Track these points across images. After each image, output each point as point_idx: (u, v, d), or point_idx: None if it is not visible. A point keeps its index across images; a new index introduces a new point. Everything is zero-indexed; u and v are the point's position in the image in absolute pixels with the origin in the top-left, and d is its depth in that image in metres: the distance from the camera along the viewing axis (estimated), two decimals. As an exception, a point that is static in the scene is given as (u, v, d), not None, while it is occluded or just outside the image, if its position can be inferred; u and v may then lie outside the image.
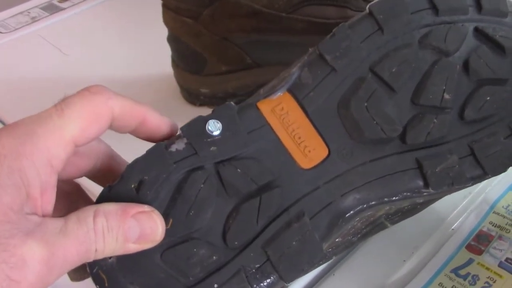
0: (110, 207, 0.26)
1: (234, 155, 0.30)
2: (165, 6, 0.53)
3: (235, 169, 0.29)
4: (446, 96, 0.32)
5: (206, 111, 0.57)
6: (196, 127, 0.30)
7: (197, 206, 0.28)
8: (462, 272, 0.37)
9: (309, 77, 0.32)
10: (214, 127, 0.30)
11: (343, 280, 0.38)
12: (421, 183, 0.31)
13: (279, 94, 0.32)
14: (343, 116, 0.32)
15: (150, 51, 0.65)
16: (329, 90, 0.32)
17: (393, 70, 0.32)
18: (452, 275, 0.37)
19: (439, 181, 0.31)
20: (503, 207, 0.41)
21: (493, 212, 0.41)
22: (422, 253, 0.39)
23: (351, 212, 0.31)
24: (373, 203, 0.31)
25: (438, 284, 0.37)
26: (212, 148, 0.29)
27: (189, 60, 0.55)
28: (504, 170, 0.33)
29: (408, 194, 0.31)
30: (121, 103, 0.28)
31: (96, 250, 0.25)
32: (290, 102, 0.32)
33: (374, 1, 0.33)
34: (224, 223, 0.29)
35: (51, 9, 0.78)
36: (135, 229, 0.26)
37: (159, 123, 0.30)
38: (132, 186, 0.28)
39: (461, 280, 0.37)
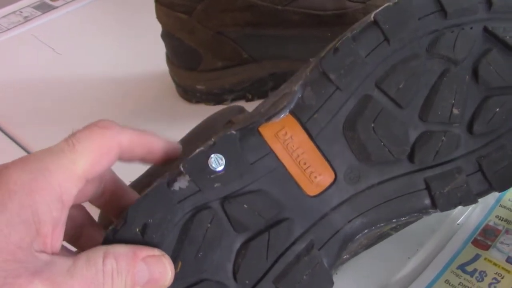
0: (120, 249, 0.26)
1: (239, 189, 0.29)
2: (158, 2, 0.52)
3: (242, 205, 0.28)
4: (455, 111, 0.31)
5: (202, 108, 0.56)
6: (198, 164, 0.28)
7: (205, 246, 0.27)
8: (469, 268, 0.36)
9: (312, 97, 0.30)
10: (217, 163, 0.28)
11: (346, 279, 0.37)
12: (429, 203, 0.31)
13: (282, 116, 0.30)
14: (349, 138, 0.30)
15: (144, 49, 0.64)
16: (334, 111, 0.30)
17: (400, 86, 0.30)
18: (459, 271, 0.36)
19: (447, 202, 0.31)
20: (509, 200, 0.40)
21: (499, 206, 0.40)
22: (427, 250, 0.38)
23: (359, 235, 0.30)
24: (381, 224, 0.31)
25: (445, 281, 0.36)
26: (216, 185, 0.28)
27: (184, 57, 0.54)
28: (511, 185, 0.32)
29: (416, 214, 0.31)
30: (129, 136, 0.28)
31: None
32: (293, 125, 0.30)
33: (379, 8, 0.31)
34: (234, 261, 0.28)
35: (43, 8, 0.77)
36: (144, 273, 0.26)
37: (165, 149, 0.30)
38: (137, 230, 0.27)
39: (468, 276, 0.36)
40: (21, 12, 0.76)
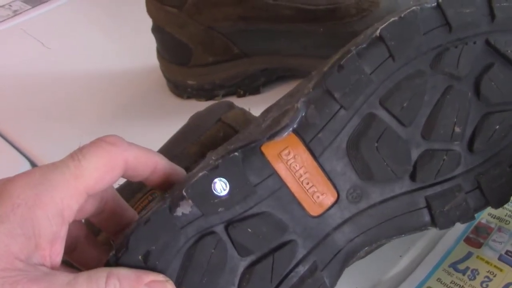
0: (124, 272, 0.25)
1: (243, 212, 0.28)
2: (148, -4, 0.51)
3: (246, 230, 0.28)
4: (457, 129, 0.31)
5: (194, 104, 0.56)
6: (202, 188, 0.27)
7: (209, 272, 0.27)
8: (461, 266, 0.36)
9: (316, 116, 0.29)
10: (222, 188, 0.27)
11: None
12: (428, 221, 0.31)
13: (285, 135, 0.29)
14: (352, 157, 0.30)
15: (135, 43, 0.63)
16: (337, 130, 0.30)
17: (405, 104, 0.30)
18: (451, 269, 0.36)
19: (446, 220, 0.31)
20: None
21: (491, 203, 0.39)
22: (419, 247, 0.38)
23: (360, 251, 0.31)
24: (382, 241, 0.31)
25: (437, 280, 0.35)
26: (220, 209, 0.27)
27: (175, 52, 0.54)
28: (508, 201, 0.32)
29: (415, 231, 0.31)
30: (135, 154, 0.28)
31: None
32: (297, 145, 0.29)
33: (385, 23, 0.30)
34: (238, 285, 0.28)
35: (33, 2, 0.76)
36: None
37: (169, 171, 0.29)
38: (139, 257, 0.26)
39: (460, 275, 0.35)
40: (10, 6, 0.75)
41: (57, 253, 0.25)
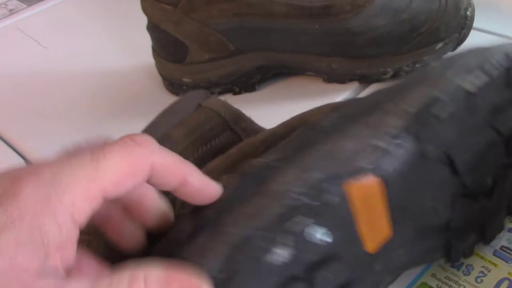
0: (153, 273, 0.23)
1: (326, 256, 0.27)
2: (143, -7, 0.51)
3: (327, 275, 0.26)
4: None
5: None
6: (302, 236, 0.26)
7: None
8: (456, 262, 0.36)
9: (402, 165, 0.28)
10: (325, 236, 0.26)
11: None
12: (441, 255, 0.33)
13: (369, 177, 0.27)
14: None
15: (131, 42, 0.63)
16: (421, 183, 0.29)
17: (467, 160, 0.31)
18: (446, 265, 0.36)
19: (456, 257, 0.33)
20: (497, 192, 0.40)
21: (486, 198, 0.39)
22: (414, 243, 0.38)
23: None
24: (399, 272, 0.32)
25: (431, 275, 0.35)
26: (313, 256, 0.26)
27: (170, 49, 0.53)
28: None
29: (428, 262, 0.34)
30: (163, 160, 0.25)
31: None
32: (378, 189, 0.28)
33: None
34: None
35: (29, 0, 0.76)
36: None
37: (201, 186, 0.26)
38: None
39: (454, 270, 0.35)
40: (6, 5, 0.75)
41: (67, 258, 0.23)
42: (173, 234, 0.27)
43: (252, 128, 0.38)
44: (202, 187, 0.26)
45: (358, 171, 0.27)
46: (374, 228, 0.29)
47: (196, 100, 0.36)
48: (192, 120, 0.37)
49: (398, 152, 0.28)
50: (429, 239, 0.32)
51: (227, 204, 0.26)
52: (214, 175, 0.29)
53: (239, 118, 0.38)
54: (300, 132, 0.31)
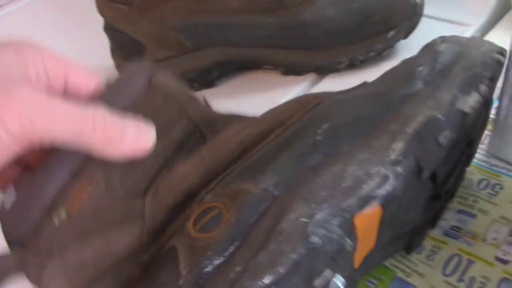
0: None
1: None
2: (97, -6, 0.51)
3: None
4: None
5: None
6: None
7: None
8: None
9: (400, 189, 0.28)
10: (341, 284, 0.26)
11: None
12: (402, 248, 0.35)
13: (374, 205, 0.28)
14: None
15: (89, 44, 0.63)
16: (410, 200, 0.30)
17: None
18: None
19: (414, 247, 0.35)
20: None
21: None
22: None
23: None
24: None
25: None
26: None
27: (128, 49, 0.54)
28: None
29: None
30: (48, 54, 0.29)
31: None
32: (377, 214, 0.29)
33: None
34: None
35: (-11, 7, 0.75)
36: (133, 129, 0.28)
37: (84, 79, 0.30)
38: None
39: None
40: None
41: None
42: None
43: (207, 116, 0.34)
44: (86, 76, 0.30)
45: (366, 200, 0.27)
46: (364, 248, 0.30)
47: (145, 74, 0.32)
48: (147, 105, 0.32)
49: (399, 177, 0.28)
50: (401, 240, 0.33)
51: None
52: (189, 183, 0.29)
53: (195, 102, 0.34)
54: (286, 139, 0.30)
